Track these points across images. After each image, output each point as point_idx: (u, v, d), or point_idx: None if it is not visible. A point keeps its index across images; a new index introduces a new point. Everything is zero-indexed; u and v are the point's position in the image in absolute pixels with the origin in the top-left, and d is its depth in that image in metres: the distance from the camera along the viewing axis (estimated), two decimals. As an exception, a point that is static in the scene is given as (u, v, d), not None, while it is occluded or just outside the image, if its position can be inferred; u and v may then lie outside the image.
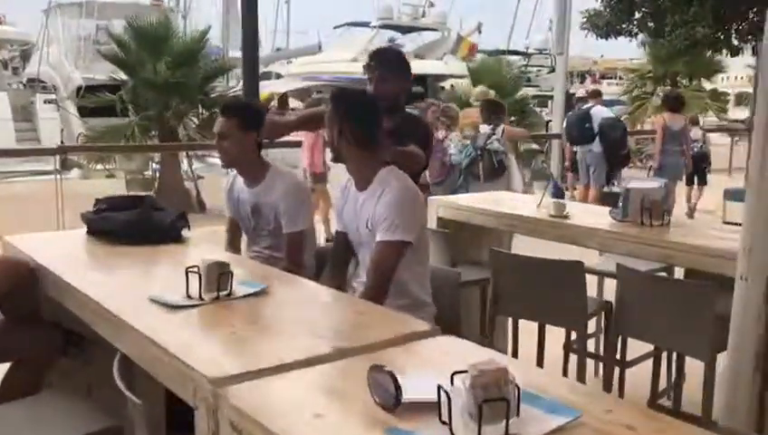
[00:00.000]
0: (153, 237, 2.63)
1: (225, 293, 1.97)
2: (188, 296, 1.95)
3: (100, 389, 2.35)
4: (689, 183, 8.74)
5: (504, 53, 27.58)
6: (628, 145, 8.63)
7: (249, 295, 1.99)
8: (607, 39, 7.40)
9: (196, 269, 1.97)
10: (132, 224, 2.67)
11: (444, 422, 1.17)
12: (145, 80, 11.06)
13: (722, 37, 6.93)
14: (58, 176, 8.19)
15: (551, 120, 15.67)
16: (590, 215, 3.47)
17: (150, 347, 1.65)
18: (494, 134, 5.81)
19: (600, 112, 8.22)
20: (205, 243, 2.66)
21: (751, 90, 22.56)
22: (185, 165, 11.83)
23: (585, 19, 7.40)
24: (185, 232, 2.76)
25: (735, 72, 24.86)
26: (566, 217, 3.36)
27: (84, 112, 15.96)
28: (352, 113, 2.42)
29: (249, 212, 2.95)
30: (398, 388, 1.22)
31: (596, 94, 9.18)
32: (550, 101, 22.99)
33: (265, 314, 1.89)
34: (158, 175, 11.62)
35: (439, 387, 1.18)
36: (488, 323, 3.23)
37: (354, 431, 1.22)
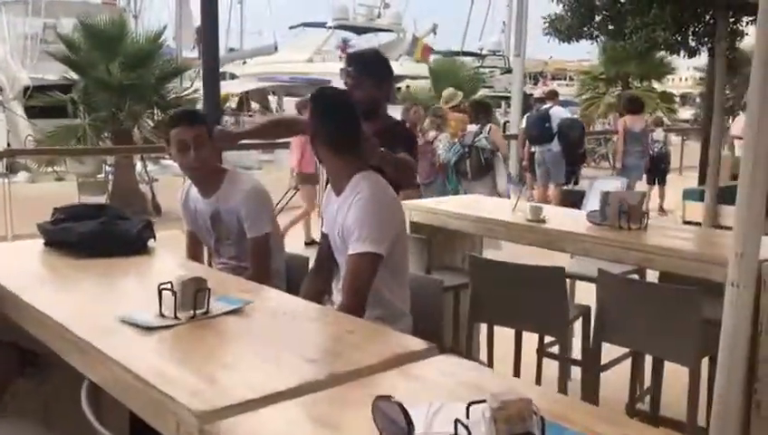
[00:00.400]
0: (117, 250, 2.47)
1: (201, 311, 1.84)
2: (162, 316, 1.81)
3: (58, 410, 2.20)
4: (650, 183, 8.89)
5: (458, 54, 27.78)
6: (585, 144, 8.80)
7: (228, 313, 1.86)
8: (569, 42, 7.42)
9: (169, 286, 1.83)
10: (95, 235, 2.50)
11: (462, 459, 1.07)
12: (97, 80, 10.70)
13: (679, 39, 7.05)
14: (5, 180, 7.88)
15: (508, 121, 15.81)
16: (566, 218, 3.42)
17: (123, 375, 1.51)
18: (481, 133, 5.98)
19: (558, 112, 8.33)
20: (171, 255, 2.51)
21: (694, 91, 23.15)
22: (139, 167, 11.51)
23: (547, 24, 7.41)
24: (150, 242, 2.60)
25: (681, 75, 25.49)
26: (543, 220, 3.30)
27: (32, 113, 15.40)
28: (329, 114, 2.30)
29: (209, 223, 2.82)
30: (409, 422, 1.12)
31: (553, 95, 9.33)
32: (503, 102, 23.29)
33: (248, 335, 1.76)
34: (111, 178, 11.27)
35: (457, 421, 1.08)
36: (467, 330, 3.15)
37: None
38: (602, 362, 3.14)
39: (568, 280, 3.57)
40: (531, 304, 2.96)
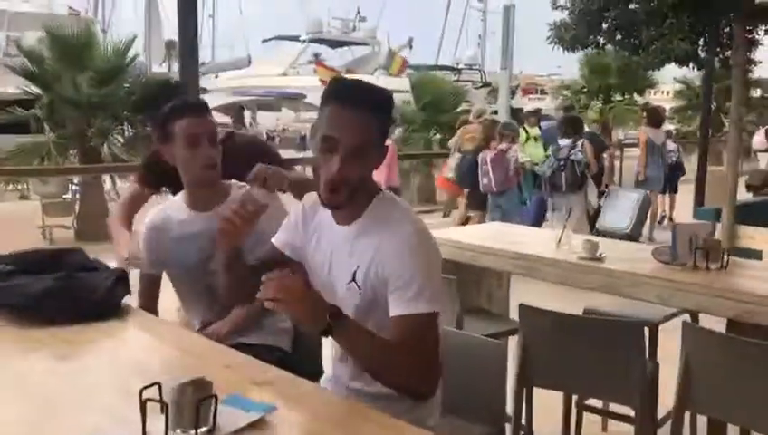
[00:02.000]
0: (81, 314, 1.86)
1: (205, 429, 1.24)
2: (146, 437, 1.21)
3: None
4: (662, 192, 8.80)
5: (433, 68, 27.52)
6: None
7: (243, 429, 1.26)
8: (574, 51, 7.04)
9: (156, 392, 1.23)
10: (52, 293, 1.88)
11: None
12: (63, 95, 9.99)
13: (689, 52, 6.71)
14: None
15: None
16: (626, 255, 2.88)
17: None
18: (575, 147, 6.08)
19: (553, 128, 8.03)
20: (154, 321, 1.89)
21: (674, 104, 23.13)
22: (108, 185, 10.80)
23: (551, 32, 7.00)
24: (126, 299, 1.99)
25: (663, 88, 25.40)
26: (600, 259, 2.75)
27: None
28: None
29: (197, 251, 2.12)
30: None
31: (537, 111, 9.26)
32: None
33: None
34: (78, 198, 10.53)
35: None
36: (516, 397, 2.56)
37: None
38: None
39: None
40: (599, 366, 2.40)
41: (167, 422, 1.21)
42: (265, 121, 23.30)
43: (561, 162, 6.03)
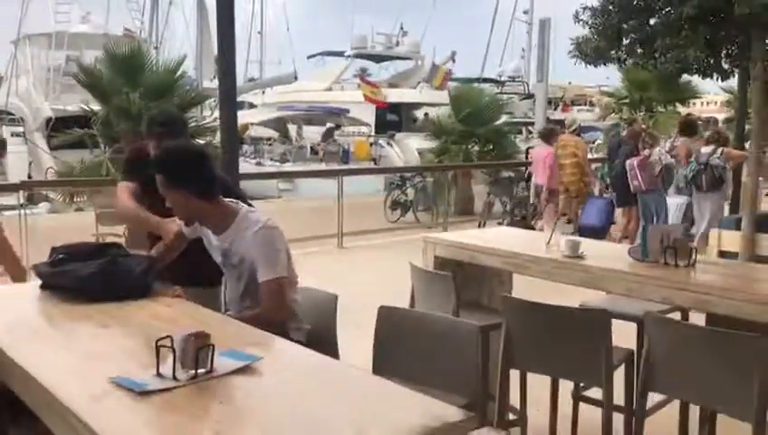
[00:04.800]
0: (118, 293, 2.26)
1: (204, 370, 1.61)
2: (159, 375, 1.59)
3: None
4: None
5: (477, 80, 27.67)
6: None
7: (234, 371, 1.63)
8: (595, 66, 7.25)
9: (168, 341, 1.60)
10: (94, 278, 2.29)
11: None
12: (119, 108, 10.68)
13: (712, 62, 6.83)
14: (22, 211, 7.81)
15: (531, 147, 15.55)
16: (606, 254, 3.16)
17: (110, 453, 1.28)
18: (714, 154, 7.13)
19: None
20: (179, 301, 2.28)
21: (719, 115, 22.92)
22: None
23: (573, 46, 7.23)
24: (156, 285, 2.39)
25: (714, 98, 25.06)
26: (581, 256, 3.05)
27: (54, 144, 15.48)
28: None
29: (220, 259, 2.55)
30: None
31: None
32: (524, 128, 23.04)
33: (259, 401, 1.52)
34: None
35: None
36: (500, 377, 2.87)
37: None
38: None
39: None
40: (570, 351, 2.69)
41: (174, 364, 1.58)
42: (310, 135, 23.87)
43: (702, 166, 7.14)
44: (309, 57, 32.81)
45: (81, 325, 2.06)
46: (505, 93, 33.54)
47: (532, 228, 8.08)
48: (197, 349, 1.59)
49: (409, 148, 20.70)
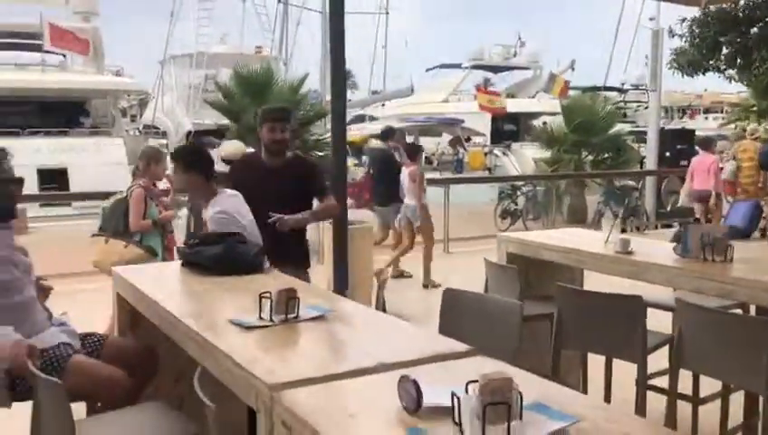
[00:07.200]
0: (238, 269, 2.96)
1: (292, 316, 2.24)
2: (261, 318, 2.23)
3: (190, 401, 2.66)
4: None
5: (598, 89, 27.21)
6: None
7: (314, 318, 2.24)
8: (692, 76, 7.39)
9: (268, 295, 2.24)
10: (220, 257, 3.01)
11: (456, 423, 1.36)
12: (248, 125, 11.77)
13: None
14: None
15: (645, 157, 15.37)
16: (656, 251, 3.53)
17: (225, 361, 1.93)
18: None
19: None
20: (279, 275, 2.95)
21: None
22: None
23: (672, 58, 7.43)
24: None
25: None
26: (630, 253, 3.45)
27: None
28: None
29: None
30: (419, 394, 1.43)
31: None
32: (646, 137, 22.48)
33: (325, 334, 2.14)
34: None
35: (453, 393, 1.38)
36: (554, 356, 3.33)
37: (380, 430, 1.43)
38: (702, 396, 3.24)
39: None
40: (613, 332, 3.11)
41: (271, 310, 2.22)
42: (427, 146, 24.60)
43: None
44: (427, 70, 33.59)
45: (209, 288, 2.78)
46: (629, 102, 32.65)
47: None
48: (288, 299, 2.22)
49: (525, 157, 20.86)
